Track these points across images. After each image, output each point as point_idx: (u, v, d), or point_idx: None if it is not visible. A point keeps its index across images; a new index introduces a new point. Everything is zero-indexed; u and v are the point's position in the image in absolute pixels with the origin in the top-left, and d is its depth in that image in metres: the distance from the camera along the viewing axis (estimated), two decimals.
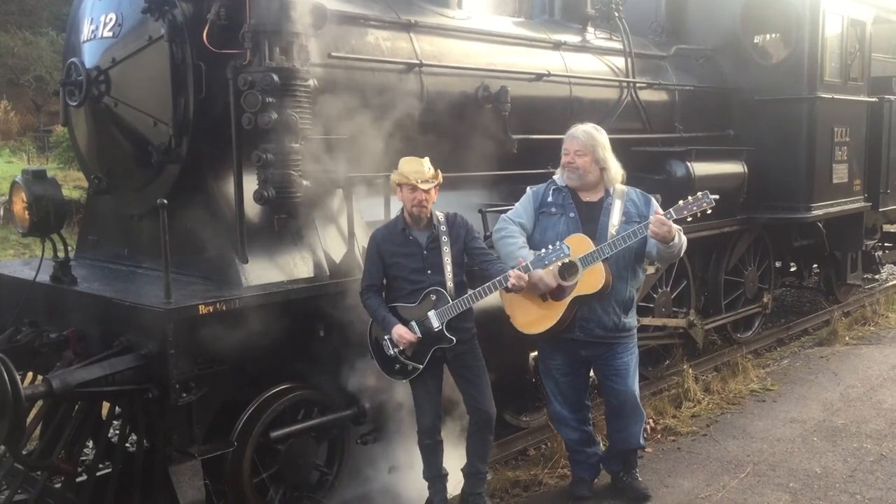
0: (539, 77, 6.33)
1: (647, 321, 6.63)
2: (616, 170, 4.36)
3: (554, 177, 4.51)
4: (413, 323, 4.14)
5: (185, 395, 3.81)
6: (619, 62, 7.23)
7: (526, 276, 4.06)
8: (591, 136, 4.32)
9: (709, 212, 4.15)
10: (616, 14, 7.34)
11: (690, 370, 6.62)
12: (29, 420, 4.00)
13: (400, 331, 4.12)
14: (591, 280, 4.17)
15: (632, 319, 4.45)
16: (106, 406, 4.58)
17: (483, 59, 5.96)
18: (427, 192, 4.15)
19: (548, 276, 4.17)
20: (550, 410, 4.77)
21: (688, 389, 6.37)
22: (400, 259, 4.20)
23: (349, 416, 4.54)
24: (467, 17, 6.16)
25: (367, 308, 4.24)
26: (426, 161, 4.21)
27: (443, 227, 4.24)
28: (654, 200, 4.42)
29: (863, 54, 9.14)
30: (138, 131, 4.69)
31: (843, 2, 8.56)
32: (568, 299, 4.22)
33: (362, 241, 4.83)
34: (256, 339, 4.03)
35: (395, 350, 4.17)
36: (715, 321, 7.79)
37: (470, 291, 4.18)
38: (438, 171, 4.22)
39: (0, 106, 32.13)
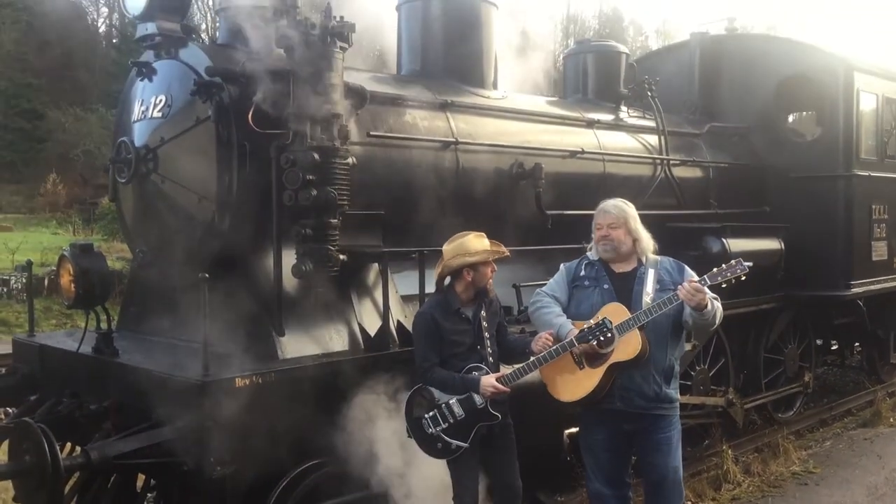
0: (573, 154, 6.44)
1: (685, 399, 6.51)
2: (647, 240, 4.39)
3: (587, 253, 4.54)
4: (500, 377, 4.13)
5: (219, 468, 3.83)
6: (653, 140, 7.32)
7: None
8: (622, 210, 4.38)
9: (743, 278, 4.12)
10: (649, 93, 7.47)
11: (730, 451, 6.48)
12: (66, 491, 4.03)
13: (490, 380, 4.09)
14: (627, 348, 4.15)
15: (674, 391, 4.37)
16: (140, 478, 4.60)
17: (518, 136, 6.09)
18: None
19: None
20: (589, 488, 4.65)
21: (727, 471, 6.22)
22: (456, 337, 4.21)
23: (380, 495, 4.49)
24: (502, 96, 6.32)
25: (438, 381, 4.16)
26: (484, 235, 4.32)
27: (484, 301, 4.31)
28: (687, 269, 4.40)
29: None
30: (183, 207, 4.84)
31: (878, 80, 8.61)
32: (604, 367, 4.20)
33: (398, 315, 4.88)
34: (291, 412, 4.06)
35: (437, 429, 4.15)
36: (755, 400, 7.63)
37: (515, 367, 4.18)
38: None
39: (49, 179, 33.21)
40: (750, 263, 4.09)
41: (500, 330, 4.41)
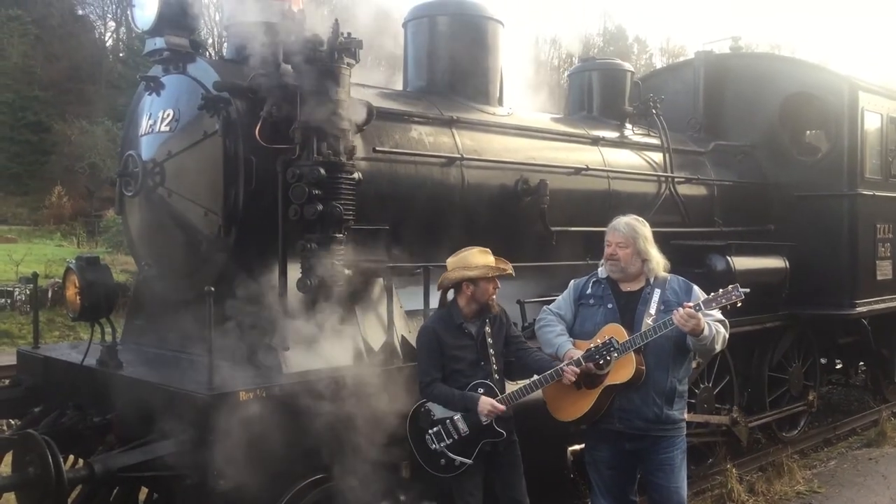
0: (577, 171, 6.45)
1: (688, 417, 6.48)
2: (658, 260, 4.37)
3: (598, 269, 4.54)
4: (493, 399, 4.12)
5: (222, 482, 3.81)
6: (658, 157, 7.33)
7: (578, 370, 4.09)
8: (633, 229, 4.35)
9: (738, 304, 4.12)
10: (653, 111, 7.50)
11: (734, 470, 6.44)
12: (69, 503, 4.02)
13: (489, 400, 4.09)
14: (622, 371, 4.15)
15: (677, 412, 4.33)
16: (143, 491, 4.59)
17: (522, 153, 6.10)
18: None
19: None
20: None
21: (731, 490, 6.19)
22: (458, 352, 4.22)
23: None
24: (508, 113, 6.35)
25: (439, 397, 4.17)
26: (489, 251, 4.31)
27: (489, 317, 4.30)
28: (696, 289, 4.37)
29: None
30: (189, 221, 4.85)
31: (882, 100, 8.63)
32: (599, 389, 4.21)
33: (401, 330, 4.88)
34: (295, 426, 4.05)
35: (441, 445, 4.14)
36: (759, 419, 7.59)
37: (521, 384, 4.18)
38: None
39: (54, 191, 33.37)
40: (747, 290, 4.07)
41: (520, 345, 4.38)
